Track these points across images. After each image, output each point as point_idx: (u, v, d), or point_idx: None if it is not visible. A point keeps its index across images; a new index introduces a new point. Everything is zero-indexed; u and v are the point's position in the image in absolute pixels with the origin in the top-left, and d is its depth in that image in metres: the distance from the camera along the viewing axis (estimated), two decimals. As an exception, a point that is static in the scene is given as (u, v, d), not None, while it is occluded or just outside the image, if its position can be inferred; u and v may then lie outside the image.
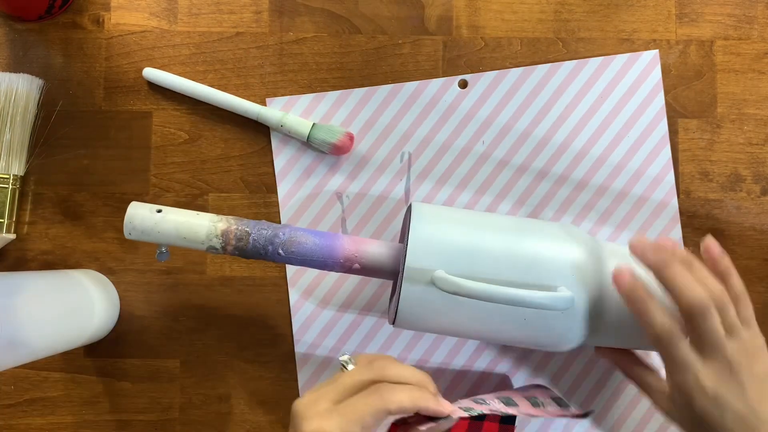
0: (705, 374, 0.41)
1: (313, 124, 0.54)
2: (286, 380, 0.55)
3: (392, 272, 0.47)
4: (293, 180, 0.55)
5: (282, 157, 0.55)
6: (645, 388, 0.46)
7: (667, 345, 0.42)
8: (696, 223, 0.56)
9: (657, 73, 0.56)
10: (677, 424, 0.44)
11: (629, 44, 0.56)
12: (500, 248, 0.45)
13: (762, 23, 0.57)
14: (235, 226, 0.46)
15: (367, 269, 0.46)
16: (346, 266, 0.46)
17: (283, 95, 0.56)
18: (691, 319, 0.41)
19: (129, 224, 0.46)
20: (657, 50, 0.56)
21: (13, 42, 0.56)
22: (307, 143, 0.55)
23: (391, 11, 0.56)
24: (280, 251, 0.46)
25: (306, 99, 0.56)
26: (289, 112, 0.55)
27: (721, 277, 0.44)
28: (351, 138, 0.54)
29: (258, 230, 0.46)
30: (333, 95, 0.56)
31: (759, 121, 0.56)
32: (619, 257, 0.47)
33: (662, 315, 0.42)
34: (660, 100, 0.56)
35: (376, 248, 0.47)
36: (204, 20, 0.56)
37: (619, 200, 0.55)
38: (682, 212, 0.56)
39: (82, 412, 0.55)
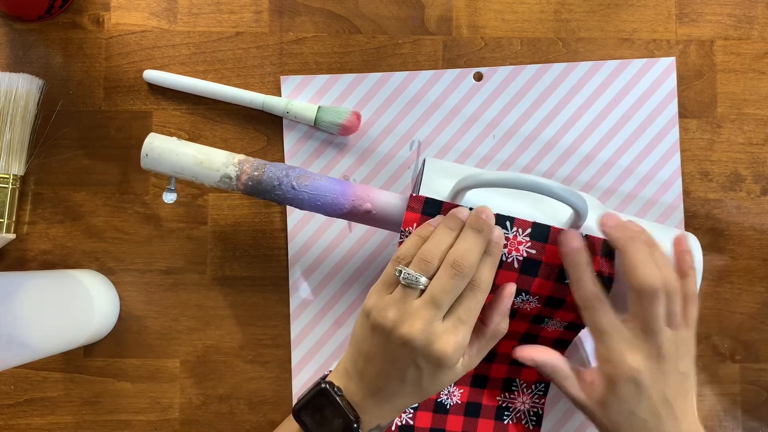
0: (632, 353, 0.42)
1: (319, 107, 0.54)
2: (286, 380, 0.55)
3: (399, 222, 0.47)
4: (300, 161, 0.55)
5: (290, 138, 0.55)
6: (556, 369, 0.46)
7: (595, 312, 0.43)
8: (696, 223, 0.56)
9: (672, 81, 0.56)
10: (588, 409, 0.44)
11: (629, 44, 0.56)
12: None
13: (762, 23, 0.57)
14: (252, 159, 0.47)
15: (376, 212, 0.47)
16: (357, 205, 0.46)
17: (283, 95, 0.56)
18: (639, 299, 0.42)
19: (148, 145, 0.47)
20: (674, 57, 0.56)
21: (13, 42, 0.56)
22: (315, 127, 0.55)
23: (391, 11, 0.56)
24: (294, 184, 0.46)
25: (320, 80, 0.56)
26: (302, 92, 0.56)
27: (680, 273, 0.44)
28: (358, 117, 0.54)
29: (273, 165, 0.47)
30: (347, 78, 0.56)
31: (759, 121, 0.56)
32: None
33: (594, 283, 0.43)
34: (673, 108, 0.56)
35: (385, 196, 0.47)
36: (204, 20, 0.56)
37: (626, 203, 0.55)
38: (683, 212, 0.56)
39: (82, 412, 0.55)
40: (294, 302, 0.55)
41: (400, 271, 0.41)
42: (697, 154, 0.56)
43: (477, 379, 0.52)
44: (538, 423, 0.53)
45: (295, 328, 0.55)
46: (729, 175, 0.56)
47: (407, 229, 0.44)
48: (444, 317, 0.40)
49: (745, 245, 0.56)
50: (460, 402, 0.52)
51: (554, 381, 0.46)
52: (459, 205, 0.44)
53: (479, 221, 0.41)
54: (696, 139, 0.56)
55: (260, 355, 0.55)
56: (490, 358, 0.51)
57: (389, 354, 0.40)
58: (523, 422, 0.52)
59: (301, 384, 0.55)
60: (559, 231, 0.44)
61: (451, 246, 0.41)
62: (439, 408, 0.52)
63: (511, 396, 0.52)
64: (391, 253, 0.55)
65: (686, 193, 0.56)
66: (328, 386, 0.41)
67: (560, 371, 0.46)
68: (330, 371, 0.44)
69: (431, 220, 0.44)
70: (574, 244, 0.43)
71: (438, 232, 0.42)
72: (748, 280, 0.56)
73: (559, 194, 0.40)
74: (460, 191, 0.43)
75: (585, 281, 0.43)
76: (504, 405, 0.52)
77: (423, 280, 0.40)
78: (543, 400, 0.52)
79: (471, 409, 0.52)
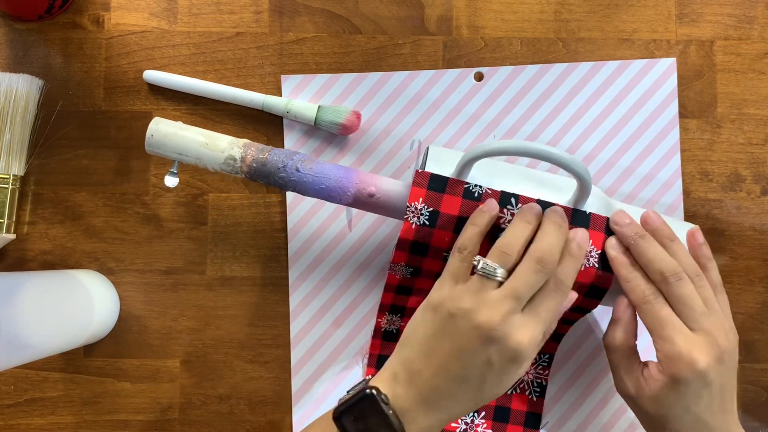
0: (700, 351, 0.40)
1: (319, 106, 0.54)
2: (286, 380, 0.55)
3: (402, 209, 0.47)
4: None
5: (290, 138, 0.55)
6: (628, 344, 0.44)
7: (653, 306, 0.42)
8: (696, 223, 0.55)
9: (672, 81, 0.56)
10: (635, 400, 0.43)
11: (629, 44, 0.56)
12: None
13: (762, 23, 0.57)
14: (257, 144, 0.48)
15: (380, 196, 0.47)
16: (361, 189, 0.47)
17: (283, 94, 0.56)
18: (666, 287, 0.41)
19: (153, 126, 0.47)
20: (674, 58, 0.56)
21: (13, 42, 0.56)
22: (315, 126, 0.55)
23: (391, 11, 0.56)
24: (299, 166, 0.46)
25: (321, 79, 0.56)
26: (302, 92, 0.56)
27: (699, 266, 0.44)
28: (358, 116, 0.54)
29: (278, 149, 0.47)
30: (347, 78, 0.56)
31: (759, 121, 0.56)
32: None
33: (646, 279, 0.42)
34: (674, 108, 0.56)
35: (389, 182, 0.47)
36: (204, 20, 0.56)
37: (626, 204, 0.54)
38: (683, 213, 0.56)
39: (82, 412, 0.55)
40: (293, 301, 0.55)
41: (478, 261, 0.40)
42: (697, 154, 0.56)
43: None
44: (542, 394, 0.53)
45: (295, 328, 0.55)
46: (729, 175, 0.56)
47: (413, 204, 0.44)
48: (522, 311, 0.40)
49: (745, 245, 0.56)
50: None
51: (613, 357, 0.45)
52: (464, 181, 0.44)
53: (559, 217, 0.42)
54: (696, 139, 0.56)
55: (260, 355, 0.55)
56: None
57: (458, 346, 0.39)
58: (527, 393, 0.53)
59: (300, 383, 0.55)
60: (563, 208, 0.44)
61: (528, 239, 0.41)
62: None
63: None
64: (391, 252, 0.55)
65: (686, 193, 0.56)
66: (374, 392, 0.39)
67: (627, 352, 0.44)
68: (370, 377, 0.42)
69: (483, 207, 0.43)
70: (617, 249, 0.43)
71: (516, 225, 0.42)
72: (748, 280, 0.56)
73: (565, 162, 0.41)
74: (467, 164, 0.43)
75: (636, 278, 0.42)
76: None
77: (500, 271, 0.40)
78: (547, 372, 0.52)
79: None
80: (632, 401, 0.44)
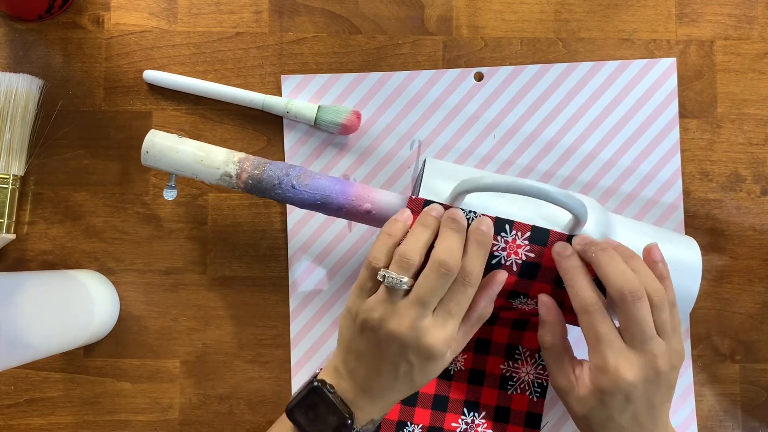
0: (628, 367, 0.41)
1: (319, 106, 0.54)
2: (286, 380, 0.55)
3: None
4: (300, 161, 0.55)
5: (290, 138, 0.56)
6: (555, 361, 0.45)
7: (592, 318, 0.41)
8: (696, 223, 0.56)
9: (673, 81, 0.56)
10: (564, 397, 0.44)
11: (629, 44, 0.56)
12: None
13: (762, 23, 0.57)
14: (252, 158, 0.47)
15: (376, 212, 0.47)
16: (356, 205, 0.47)
17: (283, 94, 0.56)
18: (622, 305, 0.41)
19: (149, 142, 0.47)
20: (674, 58, 0.56)
21: (13, 42, 0.56)
22: (316, 126, 0.55)
23: (391, 11, 0.56)
24: (294, 183, 0.46)
25: (321, 79, 0.56)
26: (302, 92, 0.56)
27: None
28: (358, 116, 0.54)
29: (273, 163, 0.47)
30: (347, 78, 0.56)
31: (759, 121, 0.56)
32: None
33: (590, 288, 0.42)
34: (674, 108, 0.56)
35: (385, 196, 0.47)
36: (204, 20, 0.56)
37: (626, 203, 0.55)
38: (683, 212, 0.56)
39: (82, 412, 0.55)
40: (293, 302, 0.55)
41: (384, 276, 0.41)
42: (697, 154, 0.56)
43: (480, 344, 0.53)
44: (543, 395, 0.53)
45: (295, 327, 0.55)
46: (729, 175, 0.56)
47: None
48: (434, 311, 0.41)
49: (745, 245, 0.56)
50: (464, 368, 0.53)
51: (544, 355, 0.45)
52: (457, 207, 0.44)
53: (453, 220, 0.42)
54: (696, 139, 0.56)
55: (260, 355, 0.55)
56: (492, 320, 0.52)
57: (379, 352, 0.41)
58: (527, 393, 0.53)
59: (300, 383, 0.55)
60: (558, 235, 0.43)
61: (428, 242, 0.41)
62: (443, 373, 0.52)
63: (515, 365, 0.53)
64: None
65: (686, 193, 0.56)
66: (320, 384, 0.42)
67: (557, 351, 0.45)
68: (320, 369, 0.44)
69: (396, 216, 0.44)
70: (566, 252, 0.43)
71: (414, 231, 0.42)
72: (748, 280, 0.56)
73: (559, 199, 0.40)
74: (458, 195, 0.43)
75: (580, 285, 0.42)
76: (508, 374, 0.53)
77: (406, 280, 0.40)
78: (547, 372, 0.52)
79: (475, 377, 0.53)
80: (562, 396, 0.45)
